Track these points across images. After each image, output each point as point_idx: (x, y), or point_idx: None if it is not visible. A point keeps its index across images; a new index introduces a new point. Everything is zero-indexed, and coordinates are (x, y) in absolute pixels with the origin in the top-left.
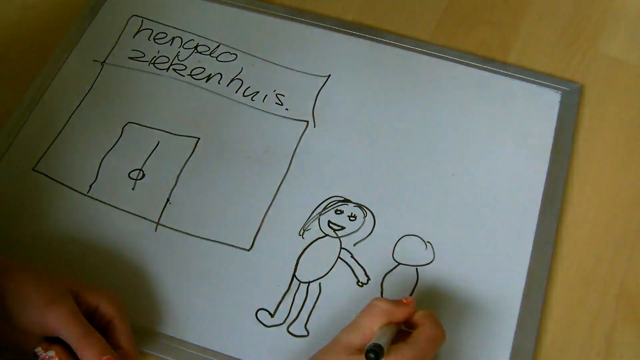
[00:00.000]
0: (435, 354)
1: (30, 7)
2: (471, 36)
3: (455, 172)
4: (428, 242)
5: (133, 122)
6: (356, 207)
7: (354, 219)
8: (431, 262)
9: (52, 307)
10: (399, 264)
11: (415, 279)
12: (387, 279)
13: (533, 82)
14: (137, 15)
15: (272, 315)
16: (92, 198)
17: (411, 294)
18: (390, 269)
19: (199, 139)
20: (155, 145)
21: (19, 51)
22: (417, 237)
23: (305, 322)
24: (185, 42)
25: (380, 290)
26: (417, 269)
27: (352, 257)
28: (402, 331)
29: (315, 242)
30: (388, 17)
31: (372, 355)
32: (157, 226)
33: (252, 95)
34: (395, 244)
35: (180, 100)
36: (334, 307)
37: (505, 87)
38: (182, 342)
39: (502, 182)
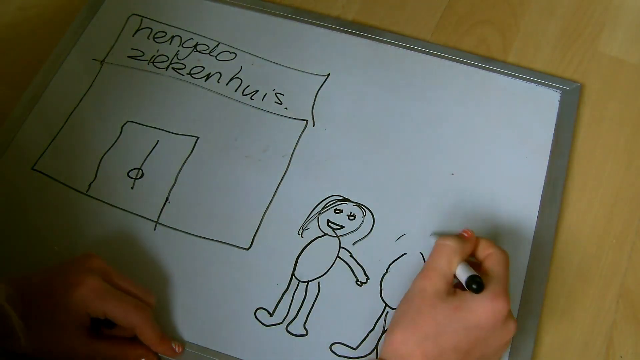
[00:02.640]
0: None
1: (29, 6)
2: (471, 36)
3: (454, 172)
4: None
5: (132, 121)
6: (355, 206)
7: (353, 218)
8: None
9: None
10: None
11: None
12: (386, 278)
13: (533, 82)
14: (136, 14)
15: (271, 315)
16: (91, 197)
17: None
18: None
19: (198, 138)
20: (155, 144)
21: (19, 50)
22: None
23: (304, 321)
24: (185, 41)
25: (379, 289)
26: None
27: (351, 256)
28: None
29: (315, 242)
30: (388, 17)
31: (475, 287)
32: (156, 225)
33: (251, 94)
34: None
35: (180, 99)
36: (332, 306)
37: (505, 86)
38: (181, 341)
39: (502, 182)
